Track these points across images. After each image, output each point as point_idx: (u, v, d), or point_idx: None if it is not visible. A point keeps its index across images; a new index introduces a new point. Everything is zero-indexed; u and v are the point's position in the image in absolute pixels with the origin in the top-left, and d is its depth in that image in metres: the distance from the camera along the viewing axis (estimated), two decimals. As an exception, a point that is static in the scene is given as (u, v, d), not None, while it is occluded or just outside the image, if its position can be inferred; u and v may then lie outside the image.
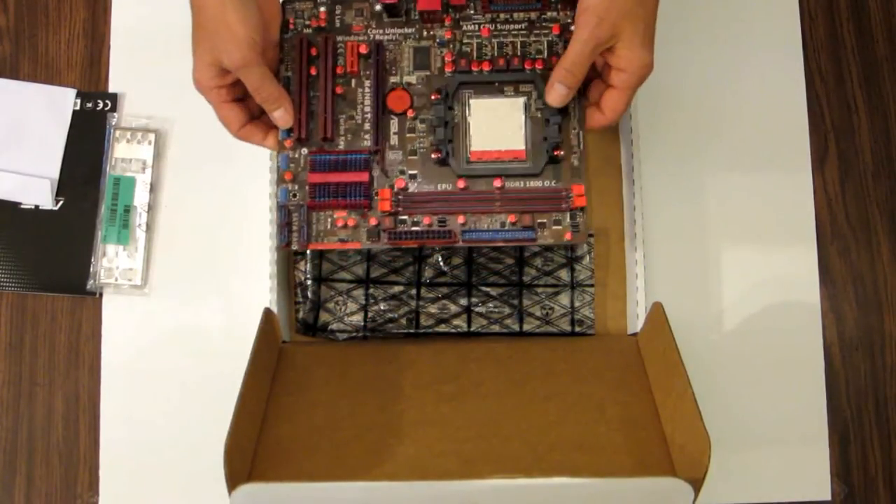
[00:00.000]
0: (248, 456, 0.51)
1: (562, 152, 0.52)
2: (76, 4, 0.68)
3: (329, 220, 0.52)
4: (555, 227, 0.52)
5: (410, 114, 0.53)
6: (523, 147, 0.52)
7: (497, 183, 0.52)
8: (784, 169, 0.67)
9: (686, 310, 0.63)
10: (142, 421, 0.62)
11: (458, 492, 0.45)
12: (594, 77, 0.53)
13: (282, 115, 0.52)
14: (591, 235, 0.64)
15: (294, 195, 0.52)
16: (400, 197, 0.52)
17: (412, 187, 0.52)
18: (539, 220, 0.52)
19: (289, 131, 0.53)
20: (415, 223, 0.52)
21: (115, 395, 0.63)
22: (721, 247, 0.66)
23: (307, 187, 0.52)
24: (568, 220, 0.52)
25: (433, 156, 0.52)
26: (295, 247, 0.52)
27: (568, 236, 0.52)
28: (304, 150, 0.53)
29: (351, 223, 0.52)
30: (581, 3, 0.49)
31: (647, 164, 0.65)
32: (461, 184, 0.52)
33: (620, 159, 0.65)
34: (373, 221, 0.52)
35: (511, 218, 0.52)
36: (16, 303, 0.64)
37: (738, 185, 0.66)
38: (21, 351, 0.64)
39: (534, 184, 0.52)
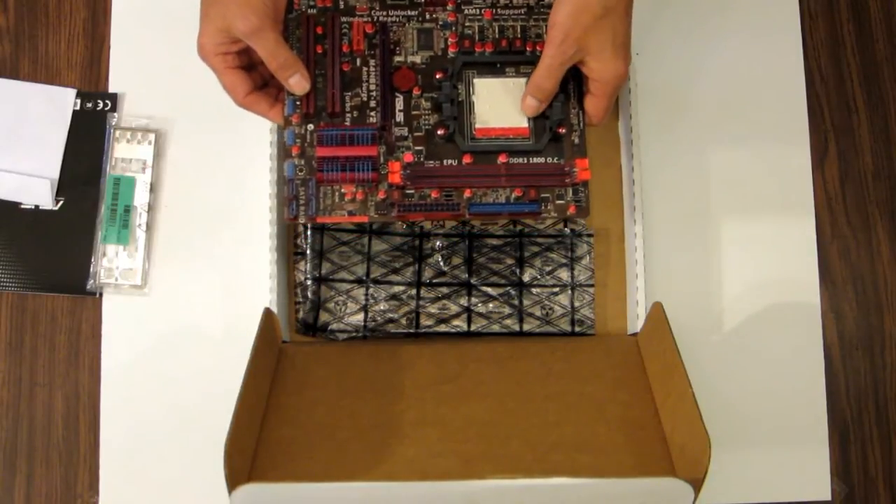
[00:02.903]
0: (248, 456, 0.51)
1: (564, 130, 0.54)
2: (76, 4, 0.67)
3: (337, 194, 0.53)
4: (558, 202, 0.54)
5: (416, 91, 0.54)
6: (527, 125, 0.54)
7: (502, 159, 0.53)
8: (784, 169, 0.67)
9: (686, 310, 0.63)
10: (142, 421, 0.62)
11: (458, 492, 0.45)
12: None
13: (298, 81, 0.52)
14: (590, 235, 0.64)
15: (301, 170, 0.53)
16: (407, 171, 0.53)
17: (419, 162, 0.53)
18: (543, 195, 0.53)
19: (295, 106, 0.53)
20: (421, 197, 0.53)
21: (115, 395, 0.63)
22: (721, 247, 0.66)
23: (314, 161, 0.52)
24: (571, 195, 0.53)
25: (439, 132, 0.53)
26: (302, 219, 0.52)
27: (572, 209, 0.54)
28: (311, 126, 0.53)
29: (359, 196, 0.52)
30: (550, 17, 0.50)
31: (648, 164, 0.65)
32: (468, 159, 0.53)
33: (620, 160, 0.65)
34: (381, 195, 0.52)
35: (517, 192, 0.53)
36: (16, 303, 0.64)
37: (737, 184, 0.66)
38: (21, 351, 0.64)
39: (537, 160, 0.54)
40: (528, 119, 0.54)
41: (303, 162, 0.53)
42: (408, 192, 0.53)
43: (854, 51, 0.69)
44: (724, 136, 0.67)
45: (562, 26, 0.49)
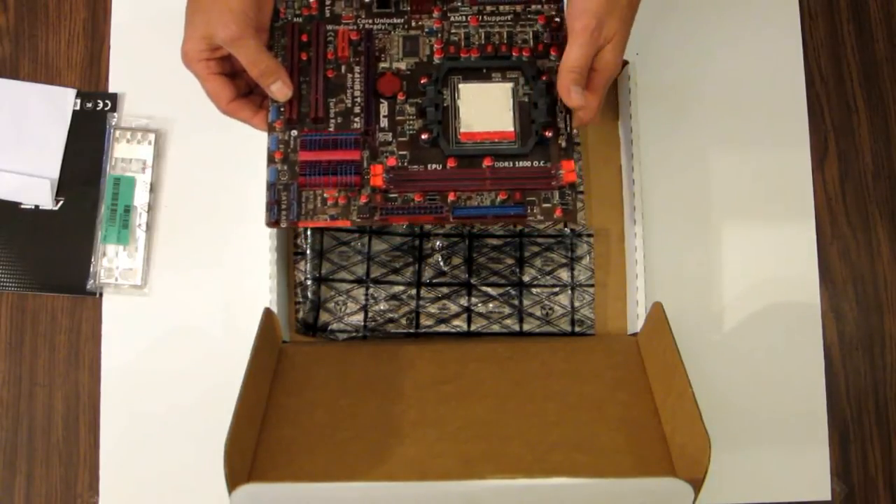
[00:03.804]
0: (248, 456, 0.51)
1: (550, 133, 0.53)
2: (76, 4, 0.68)
3: (319, 198, 0.52)
4: (545, 205, 0.53)
5: (401, 97, 0.54)
6: (512, 128, 0.53)
7: (487, 162, 0.53)
8: (784, 169, 0.67)
9: (686, 310, 0.63)
10: (142, 421, 0.62)
11: (458, 492, 0.45)
12: None
13: (279, 88, 0.52)
14: (590, 235, 0.64)
15: (283, 175, 0.52)
16: (391, 175, 0.52)
17: (403, 166, 0.53)
18: (529, 198, 0.53)
19: (279, 112, 0.53)
20: (405, 201, 0.52)
21: (115, 395, 0.63)
22: (721, 247, 0.66)
23: (297, 166, 0.52)
24: (557, 198, 0.53)
25: (423, 136, 0.53)
26: (283, 224, 0.52)
27: (558, 213, 0.53)
28: (294, 133, 0.53)
29: (342, 201, 0.52)
30: (573, 5, 0.50)
31: (648, 164, 0.65)
32: (452, 163, 0.53)
33: (620, 160, 0.65)
34: (363, 199, 0.52)
35: (502, 195, 0.52)
36: (16, 303, 0.64)
37: (737, 185, 0.66)
38: (21, 351, 0.64)
39: (523, 164, 0.53)
40: (514, 122, 0.53)
41: (285, 167, 0.52)
42: (391, 195, 0.52)
43: (854, 51, 0.69)
44: (724, 136, 0.67)
45: (597, 11, 0.49)
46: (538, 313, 0.63)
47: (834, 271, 0.66)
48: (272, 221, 0.52)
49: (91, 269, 0.64)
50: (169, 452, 0.62)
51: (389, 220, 0.52)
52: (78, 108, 0.66)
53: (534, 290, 0.63)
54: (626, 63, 0.63)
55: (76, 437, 0.63)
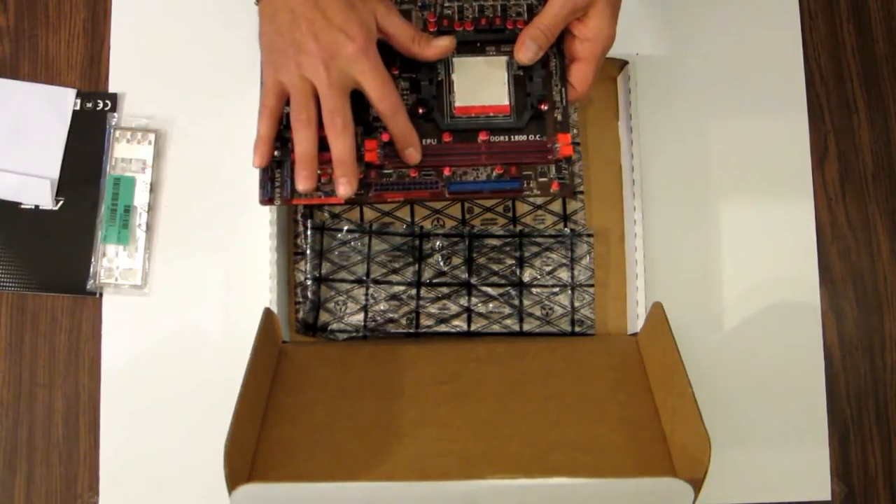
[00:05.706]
0: (248, 456, 0.51)
1: (546, 106, 0.53)
2: (76, 4, 0.67)
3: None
4: (541, 180, 0.52)
5: (394, 71, 0.53)
6: (507, 102, 0.53)
7: (483, 136, 0.52)
8: (784, 169, 0.67)
9: (686, 310, 0.63)
10: (142, 421, 0.62)
11: (458, 492, 0.45)
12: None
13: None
14: (590, 235, 0.64)
15: (277, 151, 0.52)
16: (385, 150, 0.52)
17: None
18: (525, 173, 0.52)
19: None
20: (399, 177, 0.52)
21: (115, 395, 0.63)
22: (721, 247, 0.66)
23: (290, 144, 0.52)
24: (554, 172, 0.52)
25: (419, 111, 0.53)
26: (277, 202, 0.52)
27: (555, 187, 0.52)
28: (287, 109, 0.52)
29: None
30: None
31: (648, 164, 0.65)
32: (447, 137, 0.52)
33: (621, 160, 0.65)
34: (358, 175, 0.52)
35: (498, 170, 0.52)
36: (16, 303, 0.64)
37: (737, 185, 0.66)
38: (21, 351, 0.64)
39: (518, 138, 0.53)
40: (509, 96, 0.53)
41: (279, 143, 0.52)
42: (385, 171, 0.52)
43: (854, 51, 0.69)
44: (724, 135, 0.67)
45: None
46: (538, 313, 0.63)
47: (834, 271, 0.66)
48: (266, 199, 0.52)
49: (91, 269, 0.64)
50: (169, 452, 0.62)
51: (385, 196, 0.52)
52: (78, 108, 0.66)
53: (534, 290, 0.63)
54: (626, 63, 0.63)
55: (76, 437, 0.63)
